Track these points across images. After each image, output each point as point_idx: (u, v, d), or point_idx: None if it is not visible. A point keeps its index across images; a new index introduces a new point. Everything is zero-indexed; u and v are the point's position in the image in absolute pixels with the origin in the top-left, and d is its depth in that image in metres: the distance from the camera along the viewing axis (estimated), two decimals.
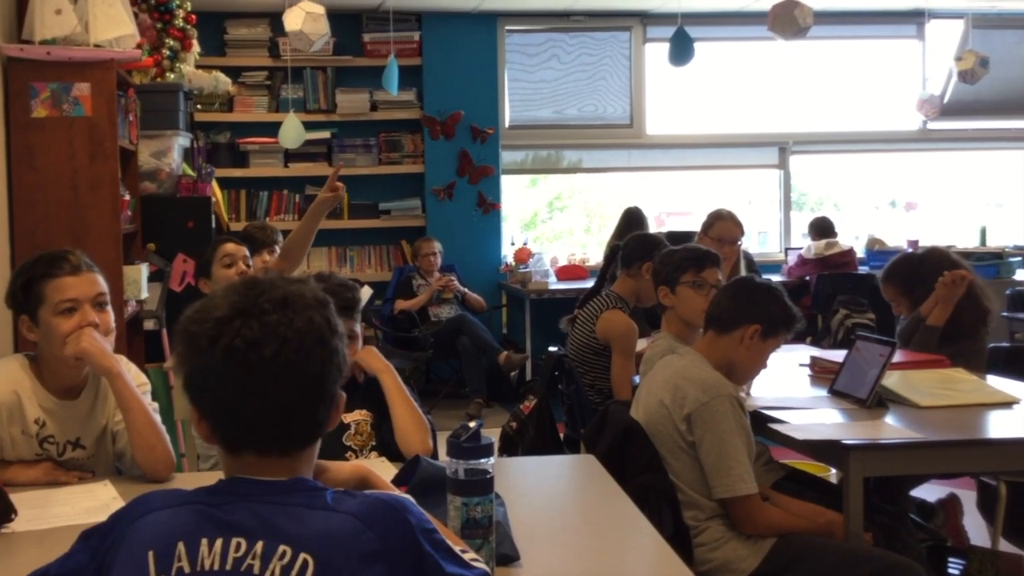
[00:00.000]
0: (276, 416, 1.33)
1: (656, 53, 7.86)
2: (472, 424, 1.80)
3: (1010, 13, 7.81)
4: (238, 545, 1.27)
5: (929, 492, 4.06)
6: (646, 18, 7.82)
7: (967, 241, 8.06)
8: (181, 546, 1.28)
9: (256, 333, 1.31)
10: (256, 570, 1.26)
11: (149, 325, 4.90)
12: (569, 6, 7.48)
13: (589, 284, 7.20)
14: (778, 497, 2.85)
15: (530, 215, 8.37)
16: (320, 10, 4.81)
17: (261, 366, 1.31)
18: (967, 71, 6.88)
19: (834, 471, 4.08)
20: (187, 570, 1.27)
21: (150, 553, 1.29)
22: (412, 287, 7.07)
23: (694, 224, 7.12)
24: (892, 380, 3.19)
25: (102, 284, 2.49)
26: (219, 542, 1.28)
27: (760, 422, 2.92)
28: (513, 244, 7.75)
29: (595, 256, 7.90)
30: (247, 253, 3.90)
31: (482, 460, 1.72)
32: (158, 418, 2.50)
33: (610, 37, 7.90)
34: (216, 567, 1.27)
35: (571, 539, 2.00)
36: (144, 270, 4.68)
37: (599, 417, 2.93)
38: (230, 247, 3.83)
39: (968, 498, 3.89)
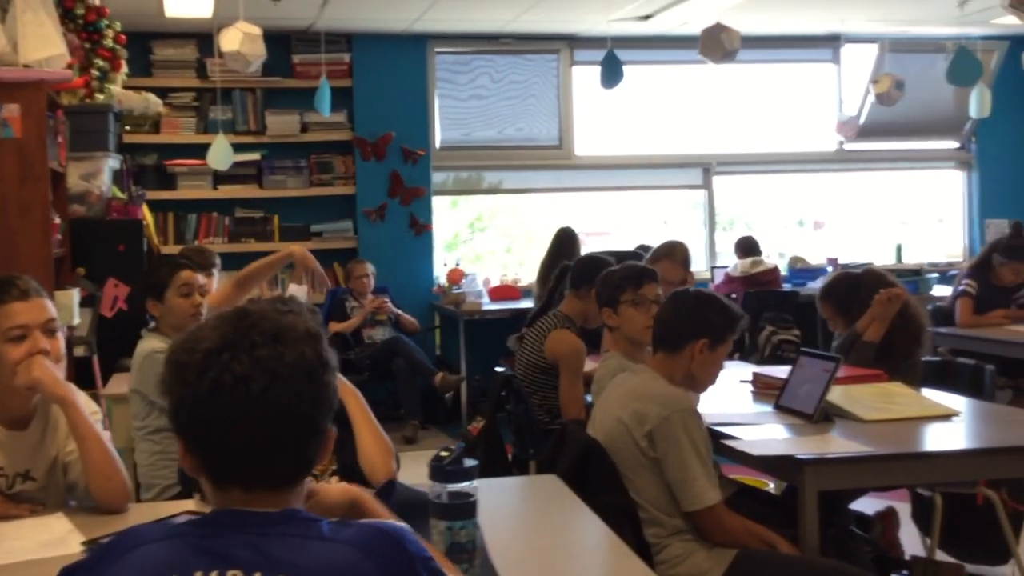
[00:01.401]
0: (264, 453, 1.31)
1: (584, 75, 7.97)
2: (453, 447, 1.80)
3: (922, 38, 8.11)
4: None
5: (864, 505, 4.17)
6: (574, 41, 7.92)
7: (882, 258, 8.34)
8: None
9: (246, 367, 1.28)
10: None
11: (80, 351, 4.77)
12: (499, 29, 7.54)
13: (522, 304, 7.34)
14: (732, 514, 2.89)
15: (451, 236, 8.37)
16: (257, 31, 4.76)
17: (249, 402, 1.28)
18: (884, 94, 7.12)
19: (772, 484, 4.18)
20: None
21: None
22: (345, 309, 7.02)
23: (612, 245, 7.27)
24: (835, 395, 3.27)
25: (52, 310, 2.43)
26: (213, 574, 1.24)
27: (711, 439, 2.96)
28: (445, 265, 7.75)
29: (525, 276, 7.94)
30: (203, 281, 3.75)
31: (465, 483, 1.73)
32: (112, 447, 2.44)
33: (539, 59, 7.98)
34: None
35: (548, 560, 2.01)
36: (76, 295, 4.56)
37: (556, 437, 2.95)
38: (187, 275, 3.61)
39: (902, 510, 4.00)
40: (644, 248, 6.33)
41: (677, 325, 2.83)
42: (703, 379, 2.86)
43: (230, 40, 4.71)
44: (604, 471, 2.68)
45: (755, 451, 2.82)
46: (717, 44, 5.62)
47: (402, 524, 1.37)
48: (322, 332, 1.39)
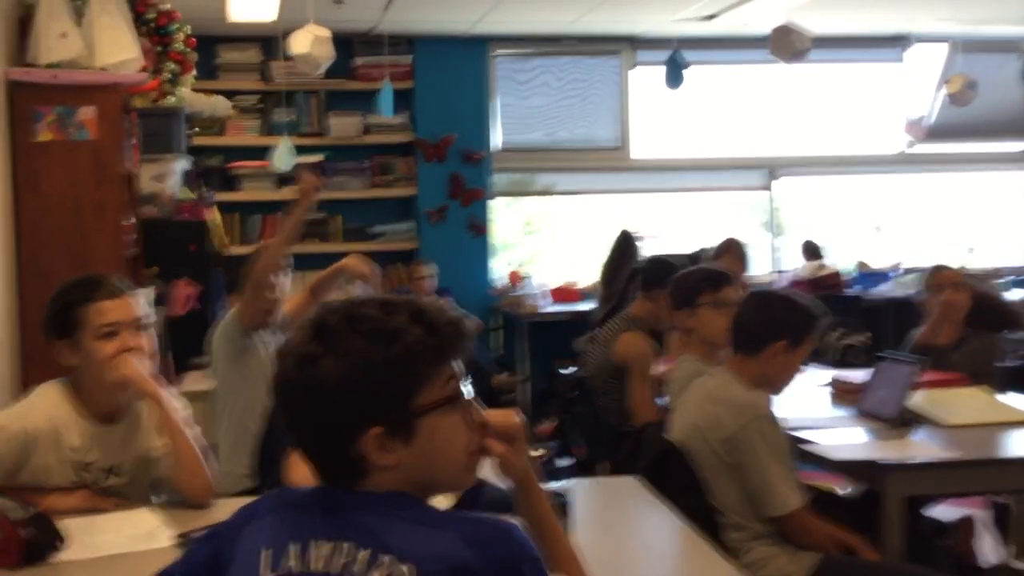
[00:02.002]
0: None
1: (645, 77, 7.92)
2: (541, 448, 1.79)
3: (992, 37, 7.95)
4: (345, 550, 1.28)
5: (939, 511, 4.08)
6: (635, 43, 7.87)
7: (952, 261, 8.15)
8: (292, 547, 1.30)
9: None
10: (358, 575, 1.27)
11: None
12: (560, 31, 7.52)
13: (581, 306, 7.31)
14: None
15: (505, 237, 8.33)
16: (327, 34, 4.80)
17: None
18: (957, 94, 6.99)
19: (839, 490, 4.11)
20: (296, 570, 1.30)
21: (264, 552, 1.32)
22: None
23: (663, 248, 7.20)
24: (916, 399, 3.22)
25: (142, 307, 2.47)
26: (328, 546, 1.29)
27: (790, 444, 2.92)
28: (509, 265, 7.75)
29: (584, 278, 7.91)
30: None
31: (559, 483, 1.72)
32: (199, 444, 2.47)
33: (599, 61, 7.95)
34: (323, 569, 1.28)
35: (636, 562, 1.99)
36: (150, 294, 4.63)
37: (633, 439, 2.93)
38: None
39: (976, 517, 3.91)
40: (703, 251, 6.30)
41: (756, 326, 2.79)
42: (780, 381, 2.82)
43: (300, 43, 4.75)
44: (683, 474, 2.65)
45: (834, 455, 2.77)
46: (788, 44, 5.56)
47: (513, 521, 1.36)
48: None
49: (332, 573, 1.28)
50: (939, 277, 4.13)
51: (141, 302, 2.49)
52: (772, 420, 2.68)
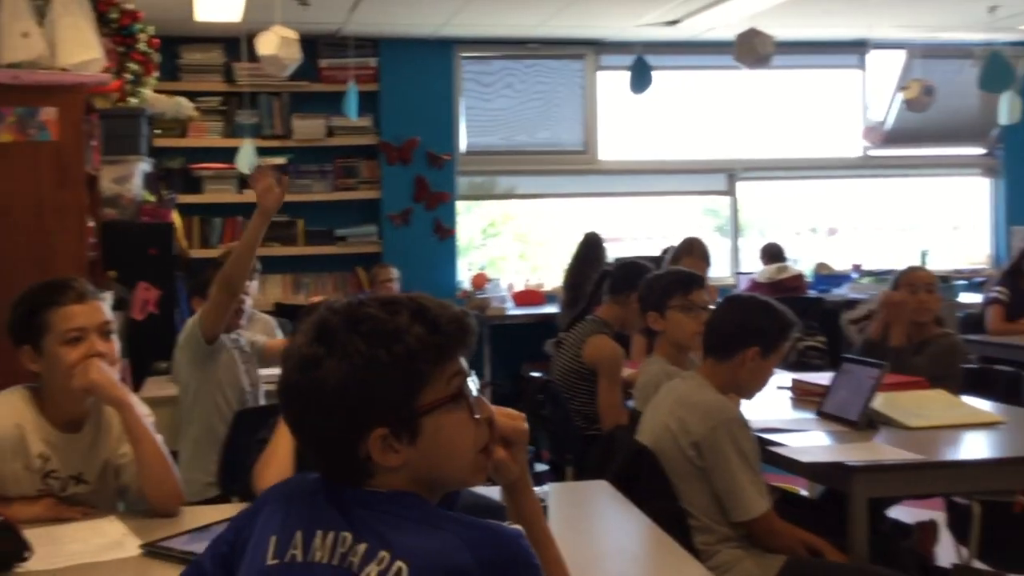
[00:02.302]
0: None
1: (609, 80, 7.97)
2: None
3: (949, 44, 8.08)
4: (344, 540, 1.29)
5: (898, 513, 4.13)
6: (599, 47, 7.91)
7: (906, 265, 8.26)
8: (299, 535, 1.32)
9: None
10: (355, 568, 1.27)
11: None
12: (525, 34, 7.54)
13: (546, 309, 7.33)
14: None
15: (465, 241, 8.34)
16: (294, 35, 4.77)
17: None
18: (914, 99, 7.10)
19: (803, 491, 4.16)
20: (299, 558, 1.31)
21: (272, 538, 1.34)
22: None
23: (625, 251, 7.27)
24: (878, 402, 3.26)
25: (107, 312, 2.43)
26: (331, 536, 1.30)
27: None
28: (470, 270, 7.75)
29: (549, 281, 7.94)
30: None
31: (536, 488, 1.71)
32: (166, 450, 2.44)
33: (564, 65, 7.98)
34: (324, 560, 1.30)
35: (608, 566, 2.00)
36: (109, 299, 4.56)
37: (603, 443, 2.94)
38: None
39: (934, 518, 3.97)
40: (667, 251, 6.34)
41: (729, 332, 2.81)
42: (751, 387, 2.85)
43: (267, 44, 4.72)
44: (654, 478, 2.66)
45: (804, 458, 2.80)
46: (752, 49, 5.62)
47: (518, 528, 1.35)
48: None
49: (332, 563, 1.29)
50: (912, 278, 4.17)
51: (106, 307, 2.45)
52: (742, 425, 2.71)
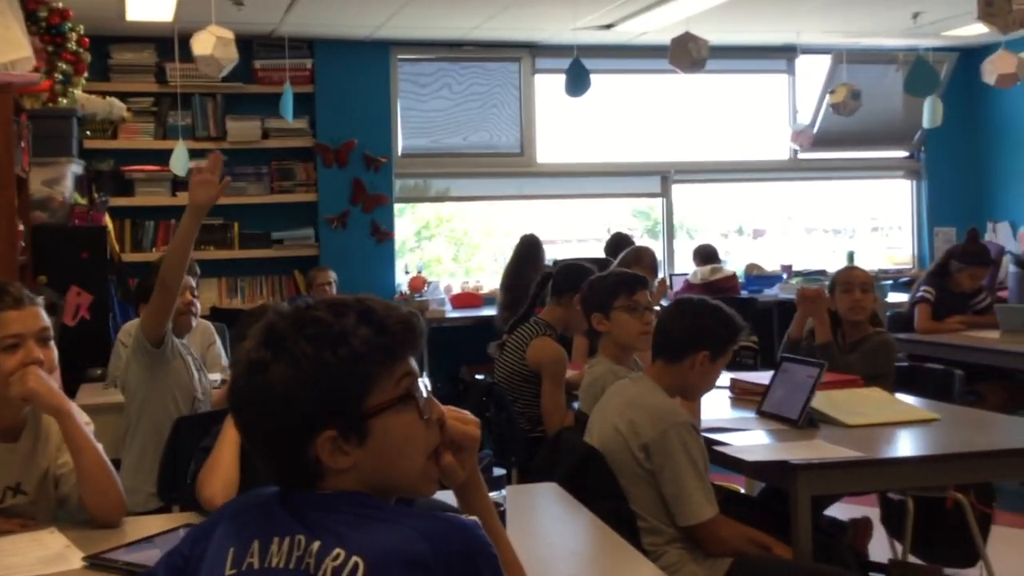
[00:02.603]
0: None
1: (545, 83, 8.00)
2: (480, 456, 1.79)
3: (874, 49, 8.28)
4: (299, 543, 1.29)
5: (831, 510, 4.22)
6: (535, 49, 7.95)
7: (833, 266, 8.46)
8: (255, 544, 1.32)
9: None
10: (311, 569, 1.27)
11: None
12: (462, 37, 7.54)
13: (484, 312, 7.33)
14: (726, 520, 2.91)
15: (399, 243, 8.30)
16: (230, 35, 4.69)
17: None
18: (840, 103, 7.25)
19: (743, 488, 4.22)
20: (256, 566, 1.31)
21: (230, 550, 1.34)
22: None
23: (557, 253, 7.33)
24: (816, 400, 3.32)
25: (45, 318, 2.36)
26: (286, 541, 1.30)
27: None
28: (407, 273, 7.72)
29: (486, 284, 7.95)
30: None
31: (494, 493, 1.72)
32: (107, 459, 2.39)
33: (500, 67, 8.00)
34: (281, 565, 1.29)
35: (563, 568, 2.01)
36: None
37: (549, 445, 2.95)
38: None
39: (867, 514, 4.06)
40: (620, 240, 6.38)
41: (679, 335, 2.83)
42: (699, 389, 2.88)
43: (203, 44, 4.64)
44: (602, 479, 2.68)
45: (748, 457, 2.84)
46: (686, 53, 5.70)
47: (473, 519, 1.36)
48: None
49: (289, 567, 1.28)
50: (848, 276, 4.25)
51: (44, 313, 2.38)
52: (692, 429, 2.73)
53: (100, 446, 2.41)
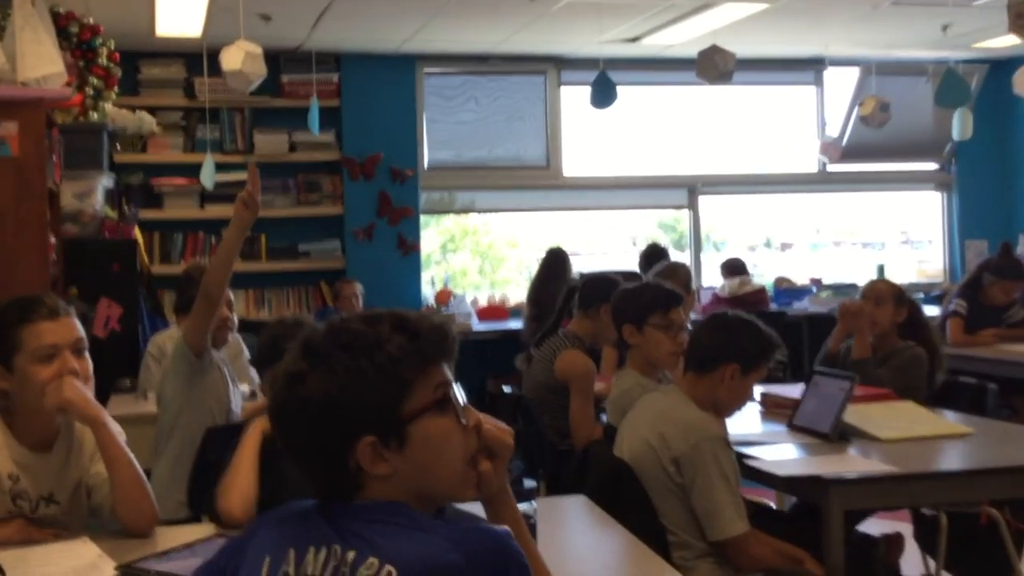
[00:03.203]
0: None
1: (571, 96, 8.01)
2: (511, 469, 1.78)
3: (904, 61, 8.23)
4: (335, 552, 1.32)
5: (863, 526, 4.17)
6: (561, 63, 7.95)
7: (863, 279, 8.39)
8: (291, 552, 1.35)
9: None
10: None
11: None
12: (488, 50, 7.56)
13: (510, 325, 7.32)
14: (757, 535, 2.88)
15: (425, 256, 8.31)
16: (258, 50, 4.72)
17: None
18: (869, 116, 7.20)
19: (772, 503, 4.18)
20: (292, 574, 1.34)
21: (267, 559, 1.36)
22: None
23: (583, 265, 7.30)
24: (848, 414, 3.28)
25: (80, 329, 2.38)
26: (323, 550, 1.32)
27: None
28: (433, 285, 7.73)
29: (511, 296, 7.95)
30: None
31: (525, 505, 1.71)
32: (141, 470, 2.40)
33: (526, 80, 8.01)
34: (316, 574, 1.32)
35: None
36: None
37: (579, 458, 2.93)
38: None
39: (900, 529, 4.01)
40: (654, 252, 6.34)
41: (710, 347, 2.82)
42: (730, 404, 2.85)
43: (231, 59, 4.67)
44: (633, 493, 2.66)
45: (779, 471, 2.81)
46: (713, 65, 5.69)
47: (505, 528, 1.37)
48: None
49: None
50: (877, 289, 4.20)
51: (79, 324, 2.39)
52: (724, 443, 2.70)
53: (134, 456, 2.42)
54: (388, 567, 1.27)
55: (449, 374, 1.39)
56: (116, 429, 2.40)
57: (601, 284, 3.87)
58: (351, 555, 1.29)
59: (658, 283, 3.53)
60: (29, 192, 4.16)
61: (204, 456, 3.27)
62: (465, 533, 1.31)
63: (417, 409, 1.34)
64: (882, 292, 4.20)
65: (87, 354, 2.38)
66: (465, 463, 1.40)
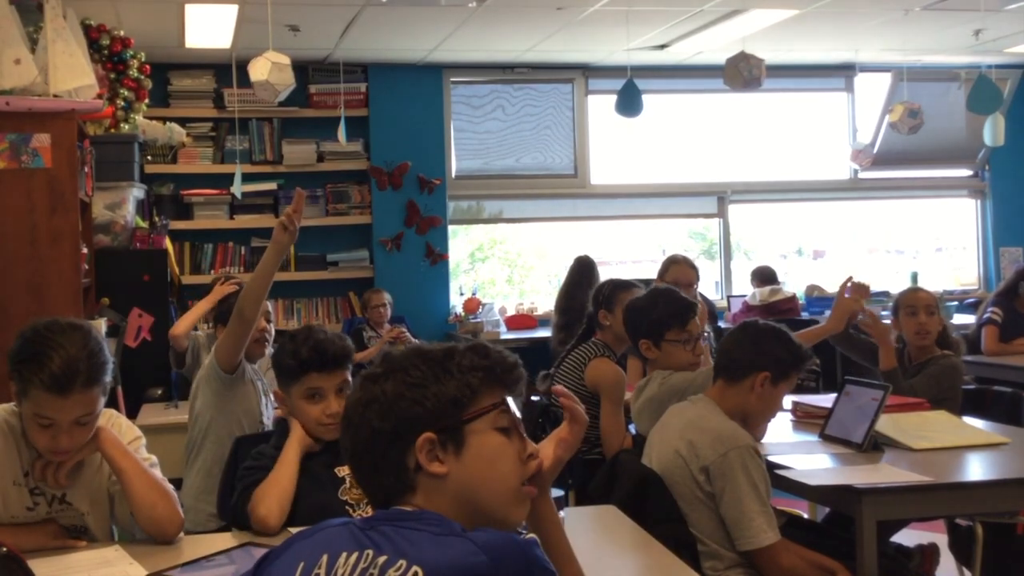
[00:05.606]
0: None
1: (598, 104, 7.99)
2: None
3: (935, 67, 8.15)
4: (366, 556, 1.35)
5: (897, 537, 4.11)
6: (588, 71, 7.94)
7: (897, 287, 8.30)
8: (324, 557, 1.39)
9: None
10: None
11: None
12: (515, 59, 7.56)
13: (538, 333, 7.30)
14: (789, 545, 2.85)
15: (453, 265, 8.31)
16: (286, 60, 4.75)
17: None
18: (899, 122, 7.14)
19: (805, 513, 4.13)
20: (322, 575, 1.38)
21: (301, 564, 1.41)
22: (363, 339, 6.96)
23: (612, 274, 7.25)
24: (881, 424, 3.24)
25: (90, 403, 2.21)
26: (355, 554, 1.37)
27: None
28: (462, 294, 7.73)
29: (540, 305, 7.93)
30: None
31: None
32: (158, 472, 2.39)
33: (554, 89, 8.01)
34: (346, 574, 1.35)
35: None
36: (103, 326, 4.53)
37: (608, 467, 2.91)
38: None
39: (935, 540, 3.95)
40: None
41: (740, 355, 2.79)
42: (760, 414, 2.81)
43: (259, 69, 4.70)
44: (662, 502, 2.63)
45: (811, 481, 2.78)
46: (741, 72, 5.65)
47: (532, 536, 1.43)
48: None
49: None
50: (912, 299, 4.13)
51: (91, 396, 2.20)
52: (754, 452, 2.67)
53: (152, 458, 2.42)
54: (415, 568, 1.30)
55: (514, 406, 1.47)
56: (132, 435, 2.40)
57: (616, 287, 3.87)
58: (382, 559, 1.33)
59: (669, 292, 3.46)
60: (62, 203, 4.22)
61: (234, 467, 3.27)
62: (492, 537, 1.34)
63: (477, 414, 1.42)
64: (932, 301, 4.13)
65: (93, 423, 2.26)
66: (519, 483, 1.46)
